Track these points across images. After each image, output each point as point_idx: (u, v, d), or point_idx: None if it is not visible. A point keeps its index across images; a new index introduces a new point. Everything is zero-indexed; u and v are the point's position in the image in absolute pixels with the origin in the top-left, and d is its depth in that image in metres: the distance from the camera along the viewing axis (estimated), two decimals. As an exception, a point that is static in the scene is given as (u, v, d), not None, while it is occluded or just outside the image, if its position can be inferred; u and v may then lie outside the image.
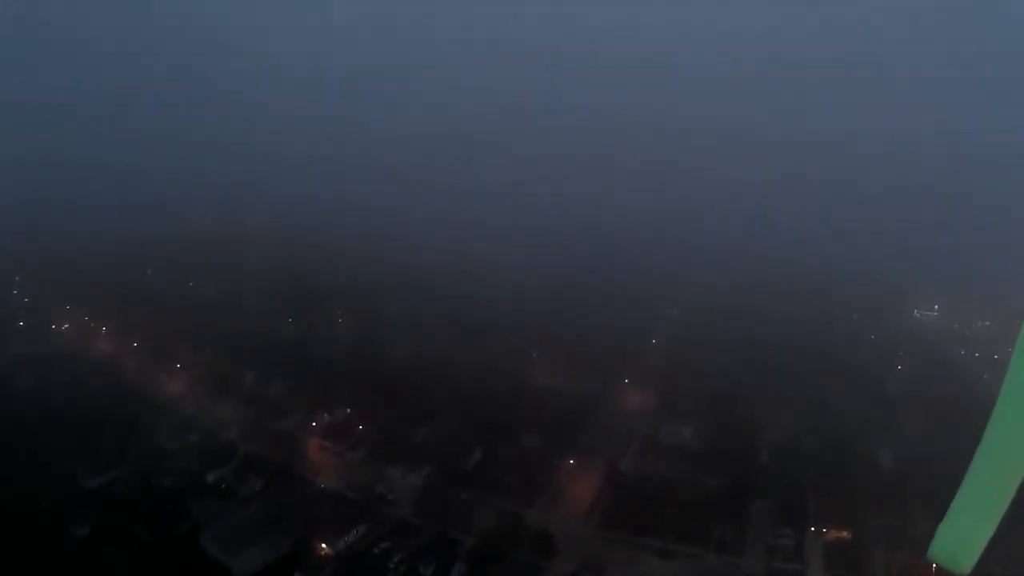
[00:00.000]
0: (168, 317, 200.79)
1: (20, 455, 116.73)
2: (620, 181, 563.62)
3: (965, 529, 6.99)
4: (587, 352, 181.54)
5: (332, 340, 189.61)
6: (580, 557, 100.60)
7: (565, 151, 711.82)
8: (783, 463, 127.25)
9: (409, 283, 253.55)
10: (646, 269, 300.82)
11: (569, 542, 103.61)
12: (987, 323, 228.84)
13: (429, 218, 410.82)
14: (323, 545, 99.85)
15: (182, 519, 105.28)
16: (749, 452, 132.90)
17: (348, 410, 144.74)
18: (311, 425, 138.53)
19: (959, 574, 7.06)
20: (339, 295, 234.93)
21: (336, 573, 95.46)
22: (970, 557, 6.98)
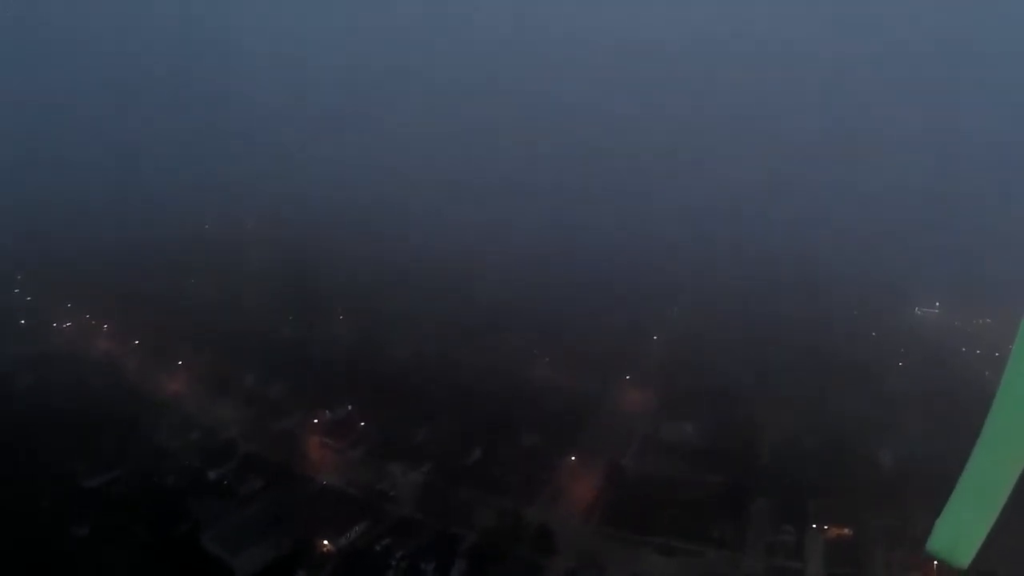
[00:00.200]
0: (169, 316, 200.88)
1: (20, 454, 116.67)
2: (620, 180, 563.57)
3: (963, 523, 7.00)
4: (587, 350, 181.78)
5: (332, 338, 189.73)
6: (580, 555, 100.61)
7: (565, 149, 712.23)
8: (783, 461, 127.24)
9: (409, 281, 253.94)
10: (645, 267, 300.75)
11: (569, 540, 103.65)
12: (988, 320, 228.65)
13: (429, 216, 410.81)
14: (325, 542, 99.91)
15: (183, 518, 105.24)
16: (749, 450, 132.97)
17: (349, 408, 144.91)
18: (312, 423, 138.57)
19: (958, 568, 7.07)
20: (340, 294, 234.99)
21: (338, 570, 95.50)
22: (968, 551, 6.99)
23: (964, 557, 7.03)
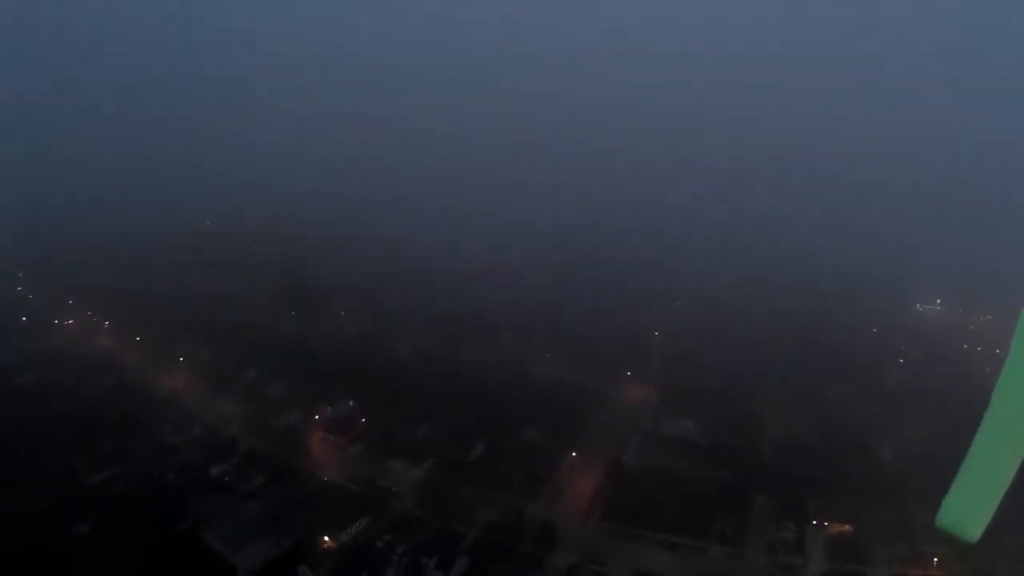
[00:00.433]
0: (170, 313, 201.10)
1: (21, 451, 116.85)
2: (620, 179, 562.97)
3: (973, 496, 6.98)
4: (587, 346, 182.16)
5: (333, 335, 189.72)
6: (582, 551, 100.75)
7: (566, 148, 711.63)
8: (784, 457, 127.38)
9: (409, 278, 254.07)
10: (646, 263, 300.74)
11: (571, 536, 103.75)
12: (989, 317, 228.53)
13: (429, 213, 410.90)
14: (326, 539, 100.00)
15: (184, 515, 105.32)
16: (750, 446, 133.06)
17: (350, 404, 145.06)
18: (313, 419, 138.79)
19: (968, 541, 7.07)
20: (340, 290, 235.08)
21: (339, 566, 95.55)
22: (978, 524, 6.97)
23: (974, 531, 7.03)
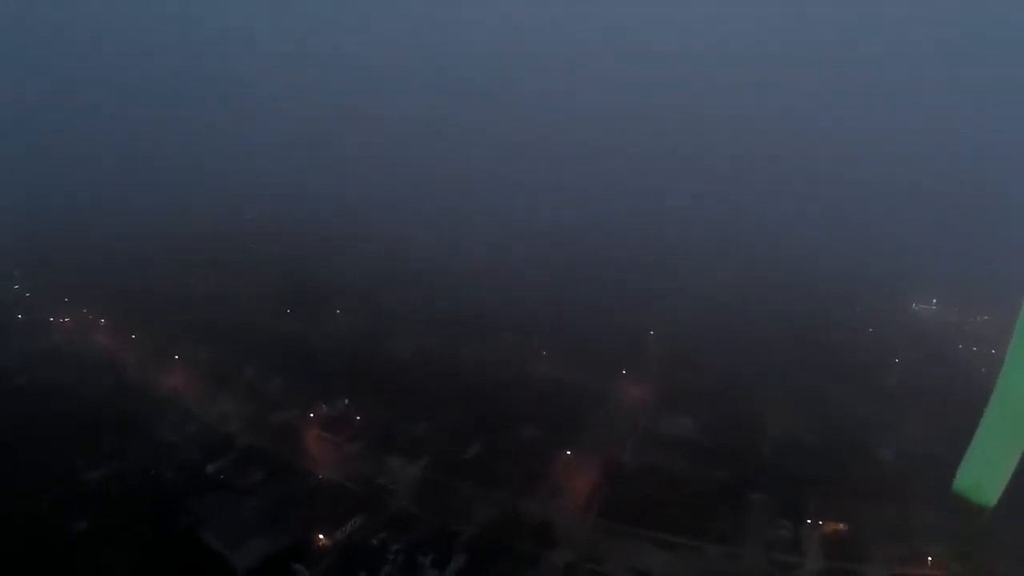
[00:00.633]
0: (167, 311, 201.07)
1: (19, 449, 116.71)
2: (622, 177, 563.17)
3: (989, 461, 7.03)
4: (585, 345, 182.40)
5: (331, 334, 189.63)
6: (579, 549, 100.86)
7: (566, 147, 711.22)
8: (780, 456, 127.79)
9: (407, 277, 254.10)
10: (646, 263, 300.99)
11: (568, 534, 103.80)
12: (985, 317, 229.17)
13: (426, 213, 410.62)
14: (322, 536, 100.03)
15: (181, 513, 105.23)
16: (747, 445, 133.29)
17: (346, 402, 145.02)
18: (309, 417, 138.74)
19: (985, 506, 7.11)
20: (339, 289, 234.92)
21: (335, 564, 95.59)
22: (995, 489, 7.02)
23: (991, 496, 7.07)
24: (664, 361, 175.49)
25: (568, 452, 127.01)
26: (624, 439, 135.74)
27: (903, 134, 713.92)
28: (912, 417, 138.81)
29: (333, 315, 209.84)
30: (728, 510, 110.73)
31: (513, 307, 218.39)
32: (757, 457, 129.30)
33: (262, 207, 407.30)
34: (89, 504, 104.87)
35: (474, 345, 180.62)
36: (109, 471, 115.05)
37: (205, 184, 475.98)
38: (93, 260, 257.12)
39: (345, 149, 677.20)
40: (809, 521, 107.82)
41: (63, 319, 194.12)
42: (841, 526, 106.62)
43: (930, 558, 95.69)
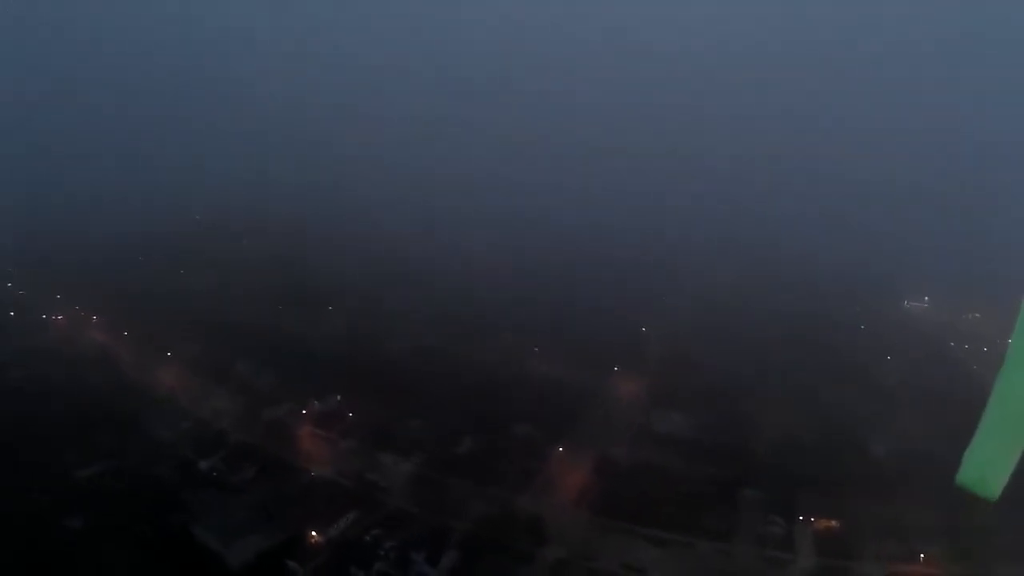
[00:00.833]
0: (159, 307, 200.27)
1: (11, 446, 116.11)
2: (622, 177, 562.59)
3: (992, 454, 6.97)
4: (579, 342, 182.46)
5: (323, 330, 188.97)
6: (572, 545, 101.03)
7: (566, 147, 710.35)
8: (772, 453, 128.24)
9: (400, 275, 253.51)
10: (641, 262, 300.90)
11: (561, 530, 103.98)
12: (976, 315, 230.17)
13: (420, 211, 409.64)
14: (314, 533, 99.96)
15: (174, 509, 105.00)
16: (739, 442, 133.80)
17: (338, 398, 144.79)
18: (302, 413, 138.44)
19: (989, 499, 7.06)
20: (334, 287, 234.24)
21: (328, 561, 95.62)
22: (998, 482, 6.97)
23: (994, 488, 7.02)
24: (658, 359, 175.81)
25: (562, 449, 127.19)
26: (618, 437, 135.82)
27: (902, 134, 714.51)
28: (905, 414, 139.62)
29: (327, 312, 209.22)
30: (721, 507, 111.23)
31: (508, 305, 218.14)
32: (749, 454, 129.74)
33: (257, 205, 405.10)
34: (83, 501, 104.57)
35: (469, 342, 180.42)
36: (102, 468, 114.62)
37: (200, 182, 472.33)
38: (87, 258, 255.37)
39: (343, 148, 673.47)
40: (801, 518, 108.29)
41: (56, 317, 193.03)
42: (833, 523, 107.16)
43: (922, 555, 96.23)
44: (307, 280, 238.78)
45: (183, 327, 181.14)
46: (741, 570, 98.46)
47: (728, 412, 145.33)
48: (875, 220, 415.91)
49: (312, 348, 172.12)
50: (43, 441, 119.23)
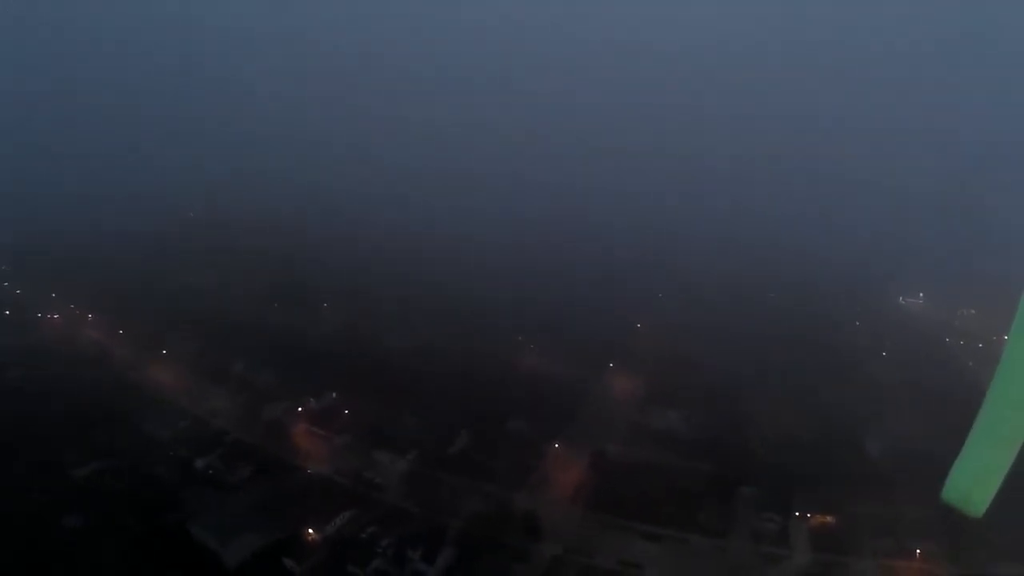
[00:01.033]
0: (155, 305, 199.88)
1: (7, 446, 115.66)
2: (617, 175, 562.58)
3: (978, 471, 6.99)
4: (574, 339, 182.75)
5: (320, 327, 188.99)
6: (567, 541, 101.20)
7: (565, 146, 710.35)
8: (767, 449, 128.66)
9: (396, 271, 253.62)
10: (634, 260, 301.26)
11: (556, 526, 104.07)
12: (972, 311, 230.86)
13: (415, 207, 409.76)
14: (311, 531, 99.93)
15: (170, 507, 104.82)
16: (734, 438, 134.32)
17: (334, 395, 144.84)
18: (299, 409, 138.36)
19: (973, 516, 7.08)
20: (327, 283, 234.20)
21: (325, 558, 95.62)
22: (983, 499, 6.99)
23: (980, 506, 7.03)
24: (655, 356, 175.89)
25: (558, 446, 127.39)
26: (615, 433, 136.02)
27: (902, 134, 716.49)
28: (901, 411, 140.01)
29: (324, 310, 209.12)
30: (717, 504, 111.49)
31: (506, 303, 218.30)
32: (745, 451, 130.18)
33: (254, 203, 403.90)
34: (79, 500, 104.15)
35: (466, 340, 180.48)
36: (98, 467, 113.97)
37: (198, 181, 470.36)
38: (84, 256, 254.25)
39: (341, 147, 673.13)
40: (797, 514, 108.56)
41: (53, 315, 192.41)
42: (829, 519, 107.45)
43: (918, 551, 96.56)
44: (304, 278, 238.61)
45: (180, 325, 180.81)
46: (737, 565, 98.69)
47: (724, 408, 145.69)
48: (872, 218, 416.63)
49: (309, 346, 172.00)
50: (40, 440, 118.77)
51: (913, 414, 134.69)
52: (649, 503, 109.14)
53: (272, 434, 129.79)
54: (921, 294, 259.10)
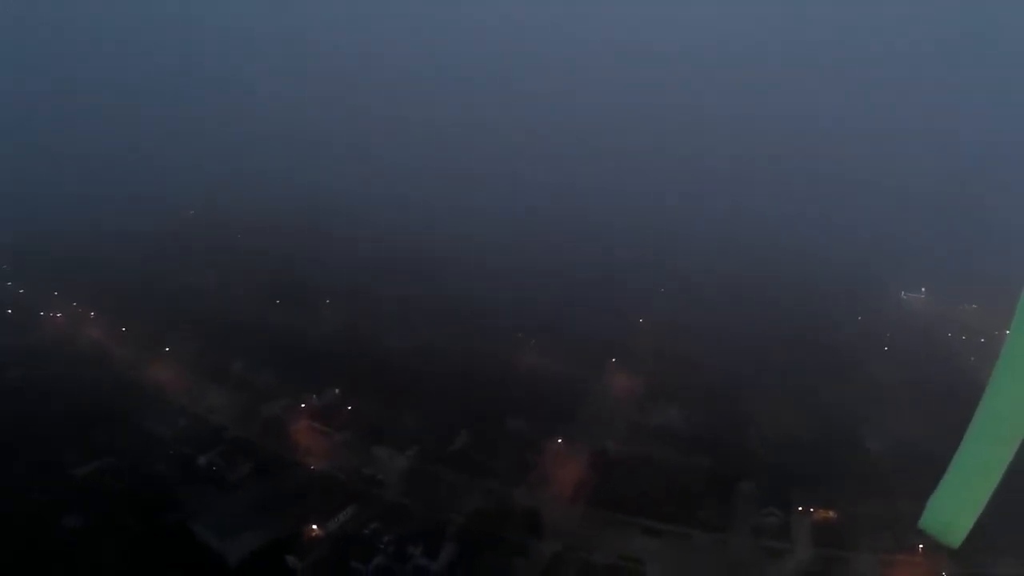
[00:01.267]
0: (156, 303, 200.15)
1: (9, 445, 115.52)
2: (616, 175, 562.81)
3: (956, 502, 6.91)
4: (574, 336, 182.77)
5: (319, 325, 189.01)
6: (568, 537, 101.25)
7: (563, 144, 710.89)
8: (768, 444, 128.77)
9: (396, 270, 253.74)
10: (635, 259, 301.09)
11: (557, 522, 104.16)
12: (974, 306, 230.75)
13: (414, 207, 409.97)
14: (313, 527, 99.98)
15: (172, 505, 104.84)
16: (734, 434, 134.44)
17: (336, 392, 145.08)
18: (299, 408, 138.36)
19: (950, 546, 7.00)
20: (329, 281, 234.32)
21: (327, 555, 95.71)
22: (961, 530, 6.90)
23: (957, 536, 6.96)
24: (650, 351, 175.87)
25: (559, 441, 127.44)
26: (615, 430, 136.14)
27: (902, 133, 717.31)
28: (902, 406, 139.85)
29: (325, 308, 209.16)
30: (717, 499, 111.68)
31: (507, 301, 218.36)
32: (743, 445, 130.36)
33: (255, 202, 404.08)
34: (80, 499, 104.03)
35: (467, 338, 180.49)
36: (100, 466, 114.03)
37: (198, 180, 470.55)
38: (86, 255, 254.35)
39: (342, 146, 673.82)
40: (800, 509, 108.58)
41: (54, 314, 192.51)
42: (831, 514, 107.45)
43: (921, 546, 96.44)
44: (305, 277, 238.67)
45: (181, 324, 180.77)
46: (738, 560, 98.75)
47: (725, 405, 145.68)
48: (874, 215, 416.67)
49: (310, 345, 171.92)
50: (40, 439, 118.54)
51: (914, 410, 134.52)
52: (649, 499, 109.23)
53: (273, 431, 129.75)
54: (923, 289, 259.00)
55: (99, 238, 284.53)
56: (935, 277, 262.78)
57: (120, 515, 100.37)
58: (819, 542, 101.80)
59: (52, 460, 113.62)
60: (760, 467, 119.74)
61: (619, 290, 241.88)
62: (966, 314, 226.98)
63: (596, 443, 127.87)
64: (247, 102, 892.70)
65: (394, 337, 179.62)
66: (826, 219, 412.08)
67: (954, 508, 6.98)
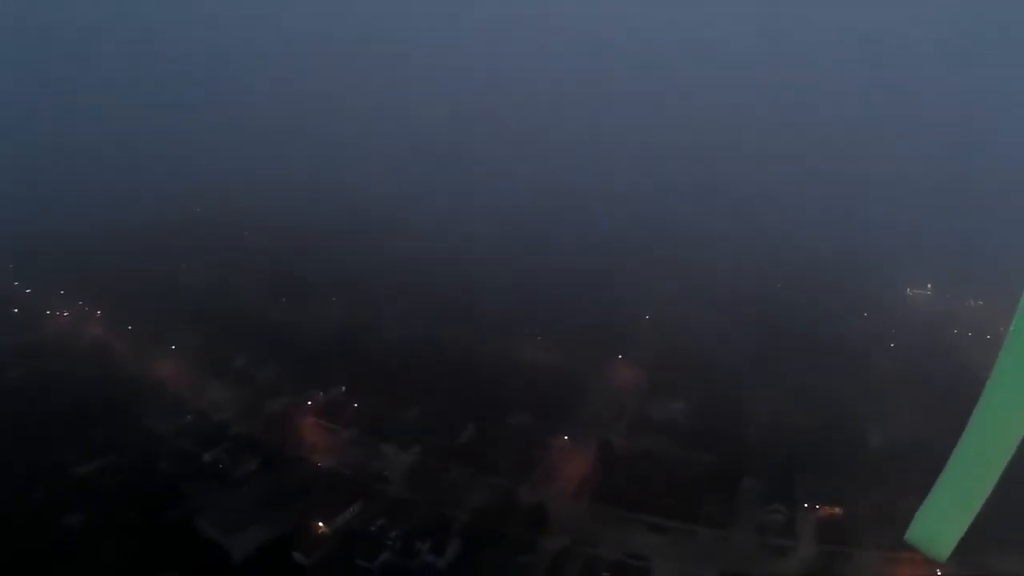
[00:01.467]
0: (161, 300, 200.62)
1: (12, 442, 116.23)
2: (612, 165, 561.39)
3: (945, 515, 6.95)
4: (578, 331, 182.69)
5: (325, 321, 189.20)
6: (573, 532, 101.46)
7: (559, 135, 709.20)
8: (773, 440, 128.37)
9: (401, 265, 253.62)
10: (634, 251, 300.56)
11: (562, 518, 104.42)
12: (979, 302, 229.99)
13: (419, 202, 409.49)
14: (319, 524, 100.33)
15: (177, 502, 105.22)
16: (739, 429, 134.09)
17: (342, 389, 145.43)
18: (305, 404, 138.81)
19: (937, 559, 7.06)
20: (332, 276, 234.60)
21: (332, 551, 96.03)
22: (948, 543, 6.95)
23: (944, 550, 7.01)
24: (655, 346, 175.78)
25: (561, 437, 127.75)
26: (619, 425, 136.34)
27: (902, 133, 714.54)
28: (908, 402, 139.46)
29: (329, 304, 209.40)
30: (720, 494, 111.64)
31: (511, 296, 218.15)
32: (748, 441, 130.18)
33: (259, 200, 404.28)
34: (85, 497, 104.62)
35: (471, 333, 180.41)
36: (105, 463, 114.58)
37: (203, 178, 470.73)
38: (91, 254, 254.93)
39: (343, 144, 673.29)
40: (806, 505, 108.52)
41: (60, 312, 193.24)
42: (836, 511, 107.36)
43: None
44: (309, 274, 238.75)
45: (186, 321, 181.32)
46: (742, 557, 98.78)
47: (729, 401, 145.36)
48: (880, 213, 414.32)
49: (315, 341, 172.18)
50: (46, 437, 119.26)
51: (921, 405, 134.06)
52: (655, 495, 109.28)
53: (278, 428, 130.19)
54: (929, 285, 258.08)
55: (105, 237, 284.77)
56: (941, 273, 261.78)
57: (125, 513, 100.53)
58: (823, 539, 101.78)
59: (58, 458, 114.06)
60: (764, 463, 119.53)
61: (624, 286, 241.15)
62: (971, 311, 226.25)
63: (600, 439, 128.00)
64: (247, 102, 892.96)
65: (399, 334, 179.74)
66: (832, 216, 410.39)
67: (943, 521, 7.05)
